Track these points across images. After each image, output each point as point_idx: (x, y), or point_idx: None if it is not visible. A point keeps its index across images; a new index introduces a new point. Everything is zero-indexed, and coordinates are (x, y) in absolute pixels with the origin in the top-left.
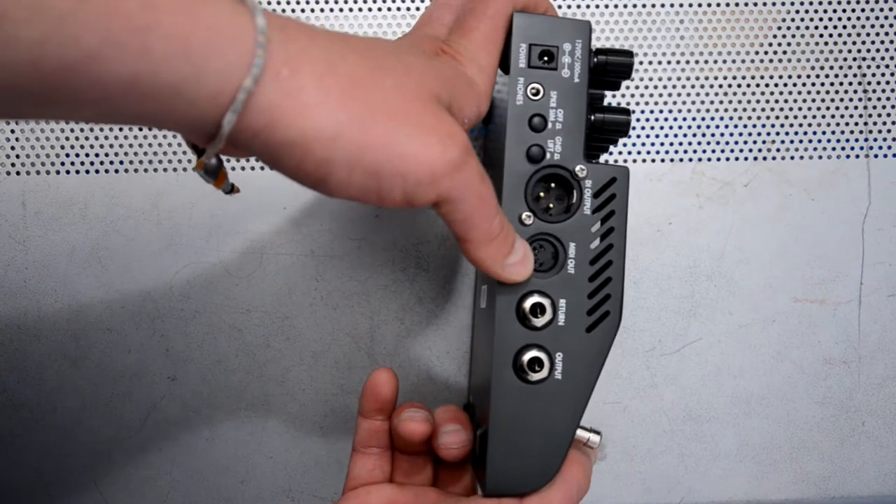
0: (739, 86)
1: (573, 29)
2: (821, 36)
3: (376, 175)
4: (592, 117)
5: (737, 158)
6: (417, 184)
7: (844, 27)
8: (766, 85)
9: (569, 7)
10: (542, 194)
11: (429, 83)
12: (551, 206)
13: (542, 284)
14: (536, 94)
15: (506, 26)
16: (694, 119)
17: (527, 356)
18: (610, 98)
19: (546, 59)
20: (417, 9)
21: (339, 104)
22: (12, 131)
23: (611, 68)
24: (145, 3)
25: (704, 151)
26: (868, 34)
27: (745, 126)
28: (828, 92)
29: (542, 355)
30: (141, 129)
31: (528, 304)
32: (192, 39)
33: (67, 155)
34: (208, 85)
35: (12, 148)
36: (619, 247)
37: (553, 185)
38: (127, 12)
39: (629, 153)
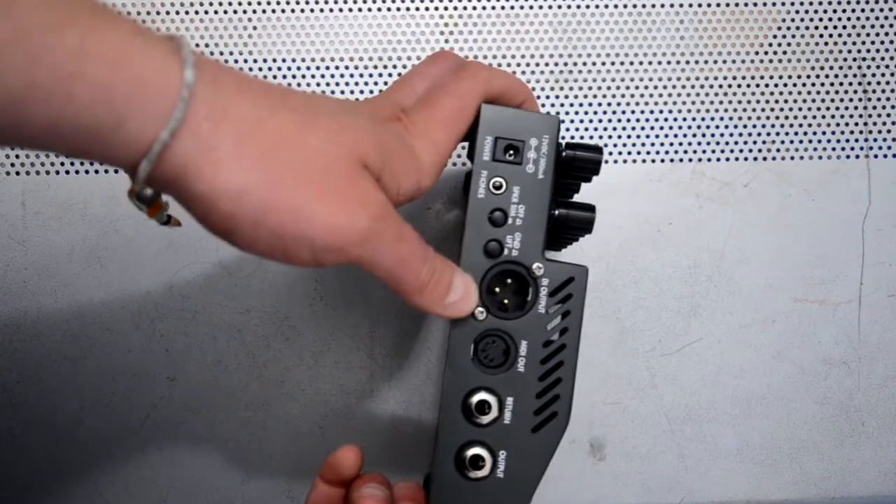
0: (739, 86)
1: (541, 124)
2: (821, 36)
3: (280, 236)
4: (557, 212)
5: (737, 158)
6: (325, 249)
7: (844, 27)
8: (766, 85)
9: (568, 7)
10: (497, 289)
11: (360, 147)
12: (506, 301)
13: (491, 381)
14: (499, 188)
15: (473, 109)
16: (694, 119)
17: (469, 452)
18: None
19: (511, 153)
20: (417, 9)
21: (252, 163)
22: None
23: (578, 164)
24: (74, 51)
25: (704, 151)
26: (868, 34)
27: (745, 126)
28: (828, 92)
29: (485, 452)
30: None
31: (474, 400)
32: (117, 89)
33: None
34: (128, 133)
35: (12, 148)
36: (573, 347)
37: (509, 280)
38: (54, 59)
39: (629, 153)
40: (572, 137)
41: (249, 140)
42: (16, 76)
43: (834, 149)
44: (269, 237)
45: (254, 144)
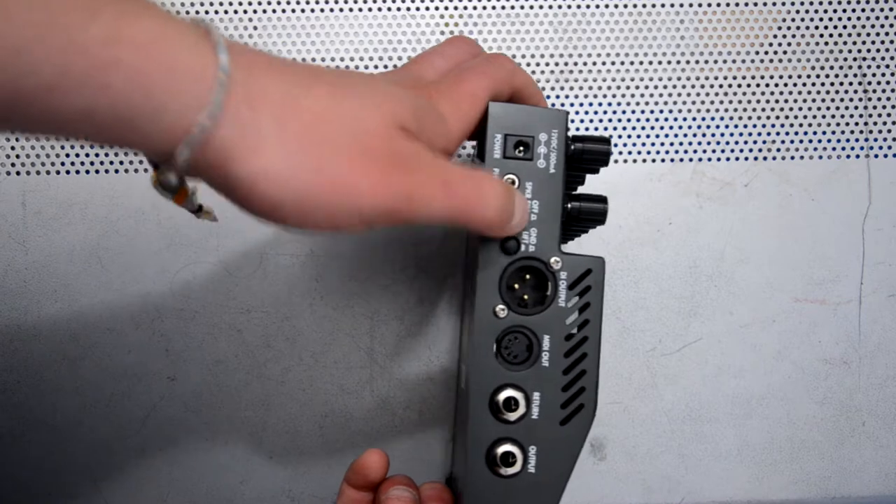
0: (739, 86)
1: (549, 119)
2: (821, 36)
3: (328, 211)
4: (569, 205)
5: (737, 158)
6: (373, 215)
7: (844, 27)
8: (766, 85)
9: (568, 7)
10: (516, 285)
11: (397, 111)
12: (526, 297)
13: (516, 377)
14: (512, 185)
15: (496, 93)
16: (694, 119)
17: (500, 450)
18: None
19: (521, 149)
20: (417, 9)
21: (294, 143)
22: (12, 131)
23: (587, 156)
24: (107, 39)
25: (704, 151)
26: (868, 34)
27: (745, 126)
28: (828, 92)
29: (515, 449)
30: None
31: (501, 397)
32: (152, 76)
33: (67, 155)
34: (165, 120)
35: (12, 148)
36: (595, 338)
37: (527, 276)
38: (88, 48)
39: (629, 153)
40: None
41: (288, 120)
42: (49, 65)
43: (834, 149)
44: (316, 213)
45: (293, 123)
